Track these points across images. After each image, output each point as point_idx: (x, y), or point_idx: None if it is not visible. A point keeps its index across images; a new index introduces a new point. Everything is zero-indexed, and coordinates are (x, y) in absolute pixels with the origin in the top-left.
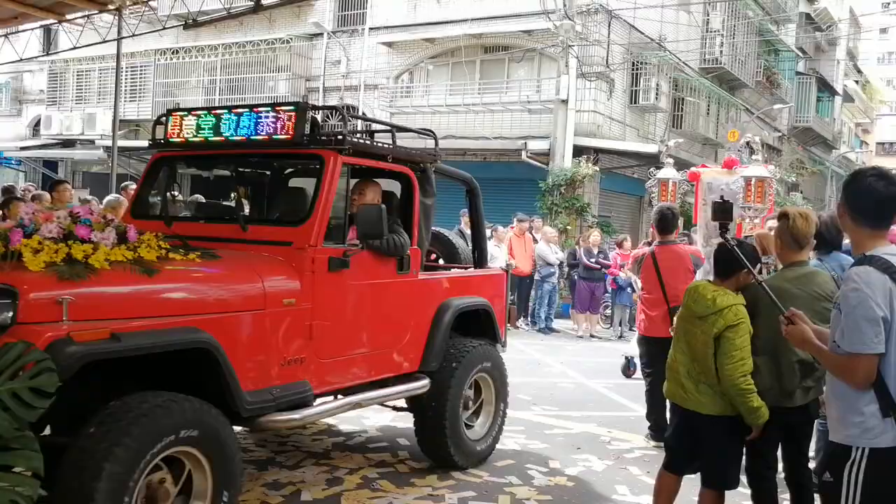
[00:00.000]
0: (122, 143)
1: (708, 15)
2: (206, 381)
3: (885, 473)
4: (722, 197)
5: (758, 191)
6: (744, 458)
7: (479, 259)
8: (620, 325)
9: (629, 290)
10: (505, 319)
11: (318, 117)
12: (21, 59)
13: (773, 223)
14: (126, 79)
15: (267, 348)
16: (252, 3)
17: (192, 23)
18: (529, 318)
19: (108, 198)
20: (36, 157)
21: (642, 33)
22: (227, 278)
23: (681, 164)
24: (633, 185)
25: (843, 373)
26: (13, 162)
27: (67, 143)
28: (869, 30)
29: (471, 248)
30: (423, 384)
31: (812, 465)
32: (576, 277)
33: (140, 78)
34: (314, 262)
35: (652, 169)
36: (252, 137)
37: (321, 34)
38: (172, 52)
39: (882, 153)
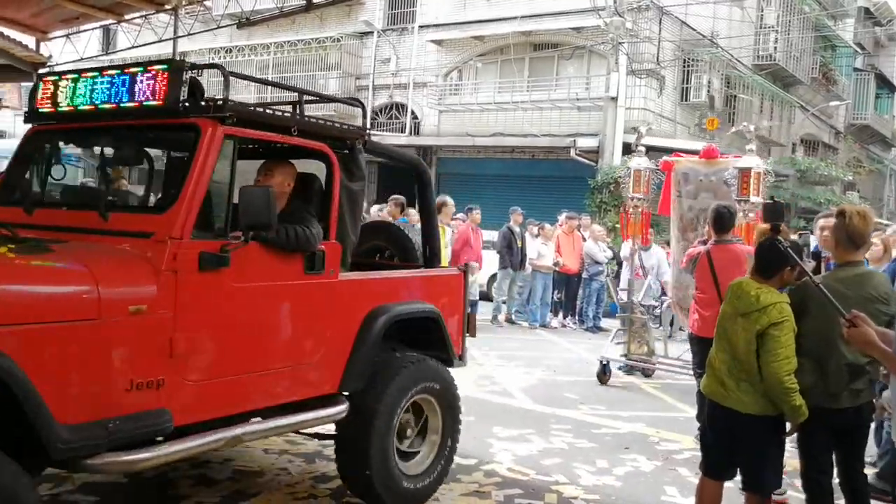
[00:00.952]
0: None
1: (762, 10)
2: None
3: None
4: (773, 197)
5: (755, 183)
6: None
7: (430, 257)
8: (671, 324)
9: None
10: (463, 329)
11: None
12: (82, 59)
13: (828, 221)
14: None
15: (102, 369)
16: (304, 1)
17: (245, 22)
18: (577, 317)
19: None
20: None
21: (694, 29)
22: (42, 278)
23: None
24: None
25: None
26: (73, 160)
27: None
28: None
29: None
30: (336, 410)
31: (870, 470)
32: None
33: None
34: (177, 258)
35: (624, 157)
36: (122, 105)
37: (371, 32)
38: (226, 51)
39: None
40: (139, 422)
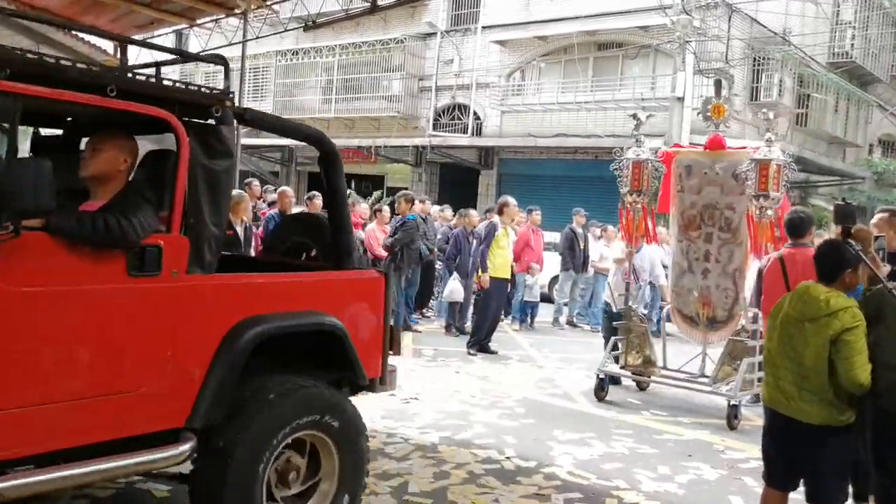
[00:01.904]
0: (245, 140)
1: (838, 6)
2: None
3: None
4: (844, 199)
5: (774, 177)
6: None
7: (339, 256)
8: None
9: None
10: (383, 346)
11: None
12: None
13: (882, 216)
14: (249, 79)
15: None
16: (368, 3)
17: (311, 24)
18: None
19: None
20: None
21: (765, 27)
22: None
23: (805, 164)
24: None
25: None
26: None
27: None
28: None
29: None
30: (176, 452)
31: None
32: None
33: (262, 79)
34: None
35: (618, 148)
36: None
37: (434, 34)
38: (292, 54)
39: None
40: None
